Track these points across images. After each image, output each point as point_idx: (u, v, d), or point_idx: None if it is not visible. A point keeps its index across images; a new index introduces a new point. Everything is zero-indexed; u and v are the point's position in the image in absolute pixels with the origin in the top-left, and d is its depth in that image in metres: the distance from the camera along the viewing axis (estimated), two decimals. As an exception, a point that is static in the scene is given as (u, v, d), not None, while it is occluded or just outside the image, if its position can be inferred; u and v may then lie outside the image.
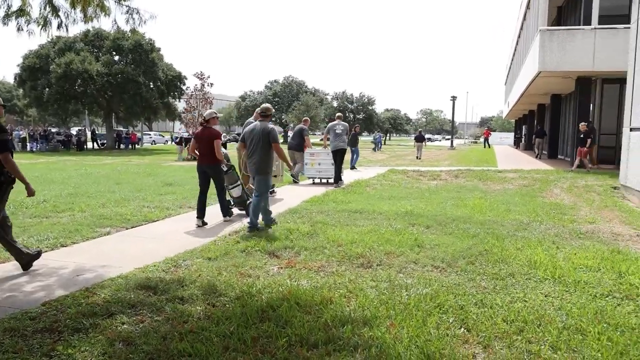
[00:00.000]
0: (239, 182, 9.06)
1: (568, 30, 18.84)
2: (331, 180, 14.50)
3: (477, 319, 4.23)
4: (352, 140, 20.27)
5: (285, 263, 5.90)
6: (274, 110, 8.40)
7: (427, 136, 44.26)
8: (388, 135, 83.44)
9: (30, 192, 5.58)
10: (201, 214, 8.43)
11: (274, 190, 12.31)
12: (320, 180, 14.73)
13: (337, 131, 14.50)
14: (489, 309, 4.47)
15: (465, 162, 24.56)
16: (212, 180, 8.61)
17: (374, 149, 42.55)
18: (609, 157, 20.40)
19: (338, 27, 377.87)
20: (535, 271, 5.61)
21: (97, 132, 50.82)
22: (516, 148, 48.09)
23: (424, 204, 10.31)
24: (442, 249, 6.54)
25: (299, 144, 14.60)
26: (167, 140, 63.48)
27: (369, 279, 5.29)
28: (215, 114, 8.56)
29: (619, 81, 19.72)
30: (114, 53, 45.78)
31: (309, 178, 14.88)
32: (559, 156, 27.42)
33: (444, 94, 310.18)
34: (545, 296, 4.85)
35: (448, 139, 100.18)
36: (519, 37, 34.96)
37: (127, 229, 8.15)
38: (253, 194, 7.94)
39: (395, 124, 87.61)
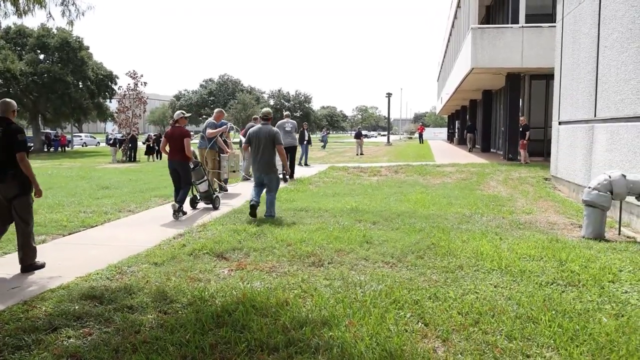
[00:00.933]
0: (205, 178, 10.02)
1: (498, 29, 19.54)
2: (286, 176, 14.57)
3: (433, 313, 4.27)
4: (301, 137, 20.43)
5: (235, 265, 5.77)
6: (272, 113, 9.20)
7: (363, 133, 44.94)
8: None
9: (39, 193, 5.88)
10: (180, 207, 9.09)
11: (226, 189, 12.19)
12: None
13: (287, 129, 14.73)
14: (443, 302, 4.52)
15: (403, 157, 25.05)
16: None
17: (323, 147, 42.78)
18: (538, 150, 21.35)
19: (272, 25, 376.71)
20: (483, 262, 5.75)
21: (22, 134, 48.16)
22: (450, 143, 49.57)
23: (368, 200, 10.40)
24: (390, 245, 6.59)
25: None
26: (99, 142, 61.15)
27: (322, 278, 5.25)
28: (183, 114, 9.44)
29: (545, 77, 20.68)
30: (39, 51, 43.62)
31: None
32: (492, 149, 28.48)
33: (378, 91, 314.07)
34: (495, 287, 4.97)
35: (384, 135, 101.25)
36: (450, 34, 36.02)
37: (64, 235, 7.75)
38: (267, 193, 8.74)
39: (332, 121, 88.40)
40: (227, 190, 12.32)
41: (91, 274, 5.52)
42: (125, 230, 8.05)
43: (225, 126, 11.98)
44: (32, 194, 5.91)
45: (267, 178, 8.61)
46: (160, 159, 30.18)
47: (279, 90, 78.93)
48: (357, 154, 29.14)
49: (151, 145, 30.43)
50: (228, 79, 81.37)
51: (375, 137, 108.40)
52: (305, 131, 21.26)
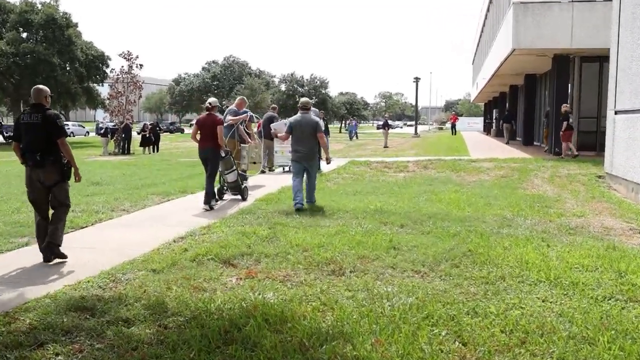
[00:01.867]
0: (234, 168, 10.75)
1: (543, 4, 19.30)
2: None
3: (472, 330, 4.22)
4: None
5: (244, 273, 5.76)
6: (311, 102, 10.53)
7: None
8: (343, 121, 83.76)
9: (79, 178, 6.61)
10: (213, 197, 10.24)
11: (246, 178, 12.43)
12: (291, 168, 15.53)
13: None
14: (483, 318, 4.46)
15: (433, 151, 24.91)
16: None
17: (350, 139, 42.96)
18: (589, 143, 21.09)
19: (284, 1, 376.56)
20: (528, 273, 5.67)
21: (2, 122, 48.88)
22: (487, 134, 49.18)
23: (394, 199, 10.36)
24: (421, 251, 6.54)
25: (270, 133, 15.05)
26: (88, 132, 61.77)
27: (344, 289, 5.22)
28: (217, 102, 10.52)
29: (598, 59, 20.39)
30: (22, 29, 44.08)
31: (279, 167, 16.60)
32: (535, 142, 28.19)
33: (404, 76, 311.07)
34: (543, 301, 4.89)
35: (411, 126, 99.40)
36: (487, 11, 35.66)
37: (50, 238, 7.79)
38: (308, 179, 9.96)
39: (352, 109, 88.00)
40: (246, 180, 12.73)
41: (81, 282, 5.54)
42: (119, 232, 8.09)
43: (246, 114, 12.59)
44: (71, 179, 6.59)
45: (309, 165, 9.85)
46: (158, 151, 30.34)
47: (292, 74, 78.86)
48: (384, 147, 30.32)
49: (147, 135, 30.54)
50: (234, 61, 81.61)
51: (401, 127, 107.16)
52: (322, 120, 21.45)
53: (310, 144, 9.83)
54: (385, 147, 30.27)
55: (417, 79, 53.75)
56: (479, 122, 74.23)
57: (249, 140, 12.78)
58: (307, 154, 9.82)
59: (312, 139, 9.81)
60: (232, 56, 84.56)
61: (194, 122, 11.78)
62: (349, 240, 7.03)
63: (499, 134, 40.63)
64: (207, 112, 10.27)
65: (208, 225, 8.28)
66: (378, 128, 44.55)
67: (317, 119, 10.07)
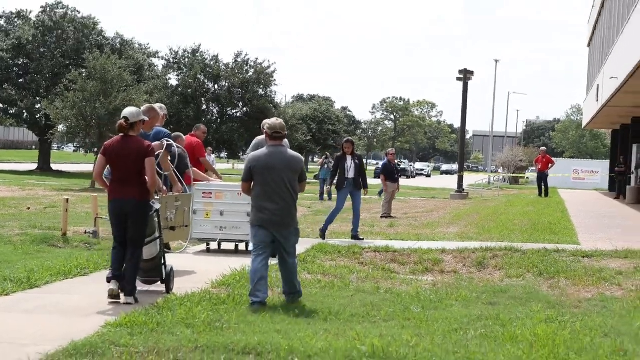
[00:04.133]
0: (157, 235, 7.08)
1: None
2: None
3: None
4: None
5: None
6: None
7: (399, 164, 28.85)
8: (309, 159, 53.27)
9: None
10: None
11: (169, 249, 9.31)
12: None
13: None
14: None
15: (496, 229, 14.43)
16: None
17: (321, 197, 24.89)
18: None
19: None
20: None
21: None
22: (616, 198, 28.04)
23: (410, 333, 5.76)
24: None
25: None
26: None
27: None
28: (140, 113, 6.98)
29: None
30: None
31: (201, 241, 10.85)
32: None
33: (436, 70, 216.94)
34: None
35: (449, 173, 71.91)
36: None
37: None
38: (282, 260, 6.90)
39: (322, 134, 53.06)
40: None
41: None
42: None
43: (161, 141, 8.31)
44: None
45: (282, 235, 6.80)
46: None
47: (195, 51, 44.23)
48: (382, 213, 17.89)
49: None
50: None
51: (427, 173, 70.85)
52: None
53: (286, 199, 6.79)
54: (386, 215, 17.60)
55: (466, 74, 28.76)
56: (598, 169, 43.38)
57: (163, 187, 8.09)
58: (281, 216, 6.75)
59: (291, 189, 6.82)
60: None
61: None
62: None
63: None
64: (121, 134, 6.72)
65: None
66: (377, 175, 30.48)
67: (299, 156, 7.23)
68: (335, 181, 12.66)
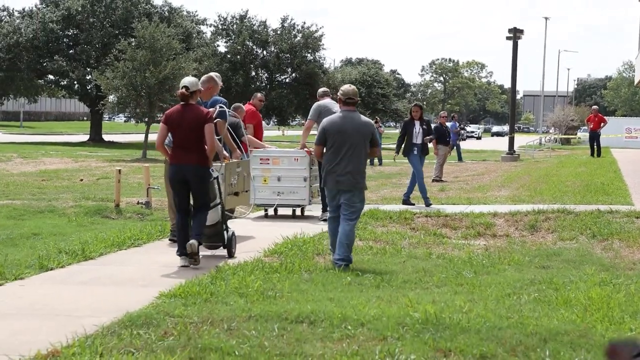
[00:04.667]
0: (218, 201, 7.23)
1: None
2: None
3: None
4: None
5: None
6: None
7: (455, 126, 26.00)
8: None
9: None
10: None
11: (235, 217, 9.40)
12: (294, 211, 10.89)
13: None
14: None
15: (549, 191, 14.00)
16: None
17: (371, 162, 21.87)
18: None
19: None
20: None
21: None
22: None
23: (463, 298, 5.81)
24: None
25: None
26: None
27: None
28: (198, 83, 7.23)
29: None
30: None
31: (259, 207, 10.84)
32: None
33: (489, 29, 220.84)
34: None
35: (499, 135, 70.38)
36: None
37: None
38: (343, 222, 6.99)
39: (372, 97, 48.60)
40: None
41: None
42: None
43: (215, 108, 8.09)
44: None
45: (348, 197, 6.96)
46: None
47: (244, 16, 43.53)
48: (434, 177, 17.43)
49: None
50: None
51: (477, 136, 69.03)
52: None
53: (356, 162, 6.97)
54: (438, 179, 17.25)
55: (515, 33, 28.42)
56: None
57: (225, 154, 8.23)
58: (351, 179, 6.93)
59: (362, 153, 7.07)
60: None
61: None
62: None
63: None
64: (182, 102, 6.92)
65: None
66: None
67: (370, 121, 7.48)
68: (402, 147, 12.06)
